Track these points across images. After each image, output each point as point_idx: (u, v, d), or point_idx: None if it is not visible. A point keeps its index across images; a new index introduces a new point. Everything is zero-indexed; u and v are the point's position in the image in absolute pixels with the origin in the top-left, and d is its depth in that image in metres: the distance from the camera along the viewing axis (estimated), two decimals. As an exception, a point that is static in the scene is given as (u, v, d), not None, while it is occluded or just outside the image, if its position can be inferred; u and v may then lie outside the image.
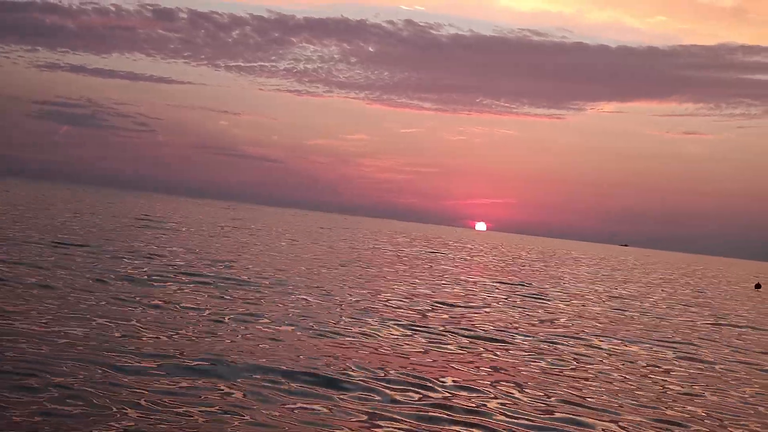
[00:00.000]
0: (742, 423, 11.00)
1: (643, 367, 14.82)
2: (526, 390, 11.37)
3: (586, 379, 12.74)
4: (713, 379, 14.36)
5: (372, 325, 16.15)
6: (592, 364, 14.32)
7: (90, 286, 17.23)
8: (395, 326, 16.37)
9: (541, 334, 17.74)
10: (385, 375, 11.24)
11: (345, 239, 64.90)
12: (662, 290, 42.30)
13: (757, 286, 60.38)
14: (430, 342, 14.89)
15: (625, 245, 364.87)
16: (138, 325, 13.17)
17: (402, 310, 19.36)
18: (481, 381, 11.68)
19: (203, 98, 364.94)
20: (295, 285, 22.27)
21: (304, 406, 9.21)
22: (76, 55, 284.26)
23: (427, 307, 20.71)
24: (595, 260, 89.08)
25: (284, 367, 10.95)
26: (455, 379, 11.62)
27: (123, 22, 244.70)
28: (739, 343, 20.79)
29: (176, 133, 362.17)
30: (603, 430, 9.61)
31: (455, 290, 27.29)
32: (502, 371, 12.70)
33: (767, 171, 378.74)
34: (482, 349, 14.69)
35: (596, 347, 16.66)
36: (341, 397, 9.80)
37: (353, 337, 14.29)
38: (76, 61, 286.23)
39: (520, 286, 32.31)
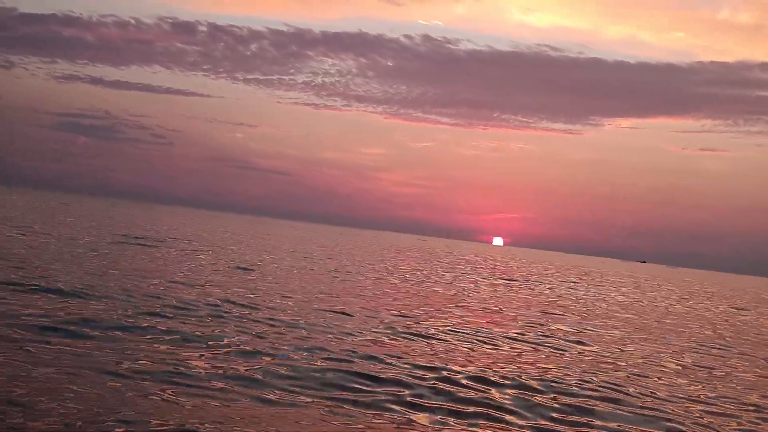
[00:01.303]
0: None
1: None
2: None
3: None
4: None
5: None
6: None
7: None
8: None
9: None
10: None
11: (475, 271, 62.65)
12: None
13: None
14: None
15: (644, 261, 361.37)
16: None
17: None
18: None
19: (220, 111, 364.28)
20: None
21: None
22: (95, 68, 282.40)
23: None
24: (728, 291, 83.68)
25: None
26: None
27: (142, 35, 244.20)
28: None
29: (193, 146, 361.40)
30: None
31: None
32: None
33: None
34: None
35: None
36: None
37: None
38: (95, 73, 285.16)
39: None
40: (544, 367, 14.42)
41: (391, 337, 16.04)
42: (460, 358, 14.33)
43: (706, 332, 26.78)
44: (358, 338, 15.22)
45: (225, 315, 16.20)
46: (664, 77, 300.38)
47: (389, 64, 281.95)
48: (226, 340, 13.20)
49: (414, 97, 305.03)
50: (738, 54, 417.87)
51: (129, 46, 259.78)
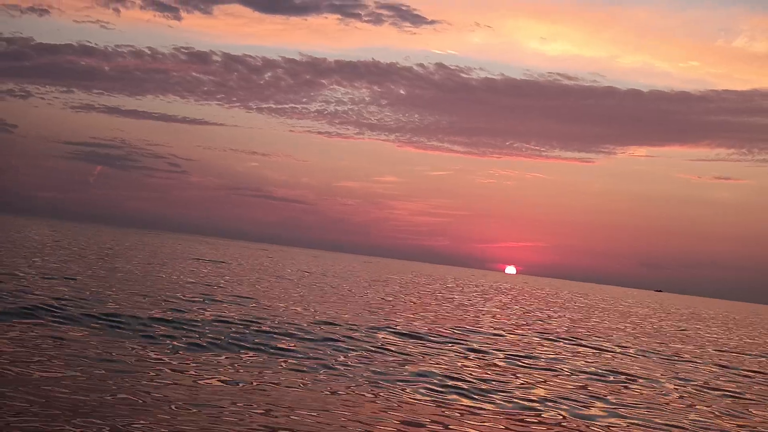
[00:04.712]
0: None
1: None
2: None
3: None
4: None
5: None
6: None
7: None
8: None
9: None
10: None
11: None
12: None
13: None
14: None
15: (659, 290, 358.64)
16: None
17: None
18: None
19: (235, 140, 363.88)
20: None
21: None
22: (111, 97, 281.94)
23: None
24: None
25: None
26: None
27: (158, 64, 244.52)
28: None
29: (208, 174, 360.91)
30: None
31: None
32: None
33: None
34: None
35: None
36: None
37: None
38: (111, 103, 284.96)
39: None
40: None
41: None
42: None
43: None
44: None
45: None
46: (678, 106, 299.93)
47: (402, 92, 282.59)
48: None
49: (427, 125, 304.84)
50: (752, 82, 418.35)
51: (145, 76, 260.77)
